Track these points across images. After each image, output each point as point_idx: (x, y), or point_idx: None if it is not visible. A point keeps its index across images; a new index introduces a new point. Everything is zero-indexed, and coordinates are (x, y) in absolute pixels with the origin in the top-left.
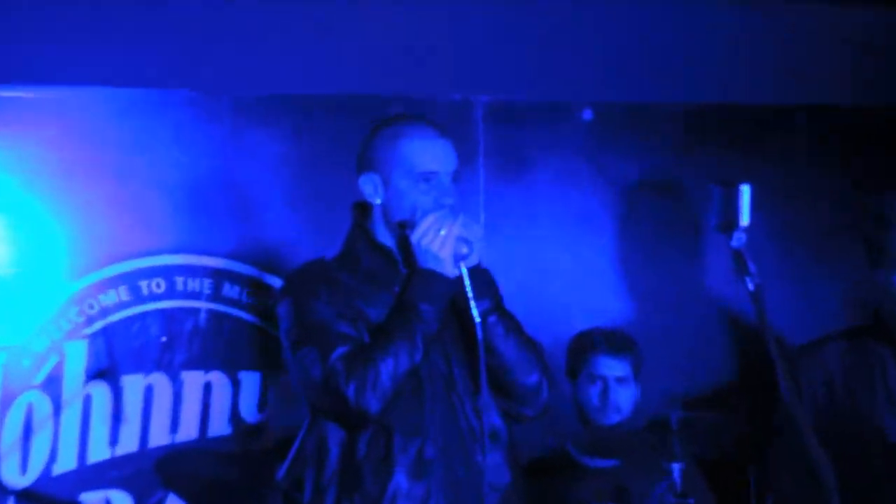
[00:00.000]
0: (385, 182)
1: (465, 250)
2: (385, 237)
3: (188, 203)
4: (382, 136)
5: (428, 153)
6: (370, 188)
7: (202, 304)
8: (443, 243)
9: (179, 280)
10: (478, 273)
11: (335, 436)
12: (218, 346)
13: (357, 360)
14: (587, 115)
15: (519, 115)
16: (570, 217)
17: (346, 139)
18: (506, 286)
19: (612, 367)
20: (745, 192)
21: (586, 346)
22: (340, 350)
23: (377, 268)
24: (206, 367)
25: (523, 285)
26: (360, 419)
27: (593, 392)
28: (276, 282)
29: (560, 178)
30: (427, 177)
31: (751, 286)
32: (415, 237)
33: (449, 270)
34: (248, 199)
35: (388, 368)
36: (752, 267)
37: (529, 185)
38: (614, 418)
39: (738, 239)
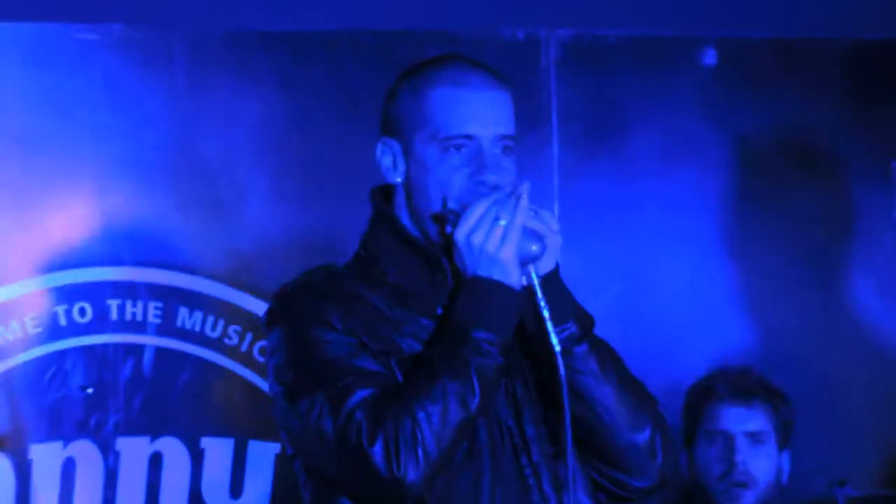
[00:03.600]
0: (406, 151)
1: (535, 249)
2: (414, 234)
3: (126, 190)
4: (408, 85)
5: (460, 106)
6: (388, 160)
7: (147, 340)
8: (503, 240)
9: (113, 304)
10: (553, 282)
11: None
12: (171, 400)
13: (387, 408)
14: (709, 56)
15: (609, 57)
16: (685, 204)
17: (359, 97)
18: (592, 305)
19: (740, 420)
20: None
21: (703, 395)
22: (361, 394)
23: (414, 279)
24: (154, 432)
25: (618, 304)
26: (391, 491)
27: (713, 455)
28: (256, 306)
29: (670, 147)
30: (459, 143)
31: None
32: (461, 234)
33: (514, 279)
34: (216, 183)
35: (434, 420)
36: None
37: (625, 158)
38: (748, 498)
39: None
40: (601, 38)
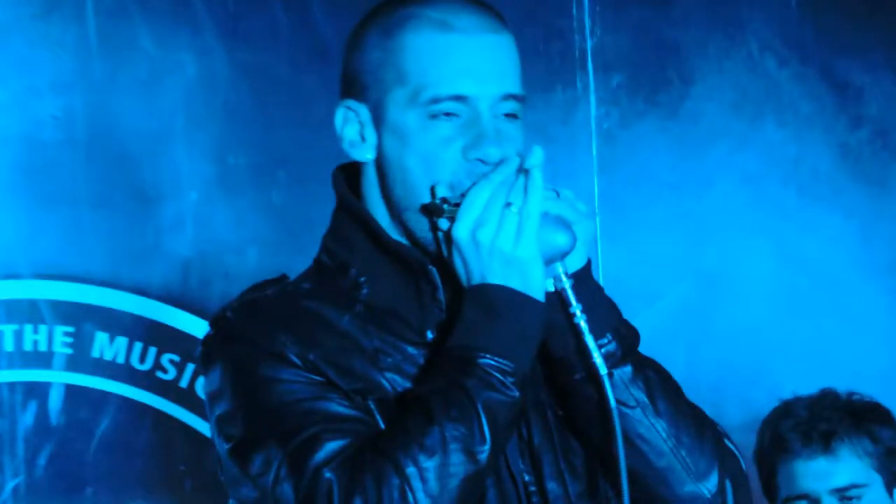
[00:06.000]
0: (377, 119)
1: (562, 241)
2: (392, 231)
3: (21, 180)
4: (376, 30)
5: (448, 57)
6: (353, 131)
7: (54, 376)
8: (520, 233)
9: (8, 330)
10: (585, 284)
11: None
12: (87, 455)
13: (365, 463)
14: None
15: None
16: (767, 176)
17: (330, 49)
18: (646, 315)
19: (822, 476)
20: None
21: (773, 450)
22: (331, 446)
23: (394, 294)
24: (67, 497)
25: (680, 311)
26: None
27: None
28: (198, 329)
29: (744, 101)
30: (449, 106)
31: None
32: (462, 230)
33: (536, 285)
34: (141, 167)
35: (429, 477)
36: None
37: (685, 118)
38: None
39: None
40: None
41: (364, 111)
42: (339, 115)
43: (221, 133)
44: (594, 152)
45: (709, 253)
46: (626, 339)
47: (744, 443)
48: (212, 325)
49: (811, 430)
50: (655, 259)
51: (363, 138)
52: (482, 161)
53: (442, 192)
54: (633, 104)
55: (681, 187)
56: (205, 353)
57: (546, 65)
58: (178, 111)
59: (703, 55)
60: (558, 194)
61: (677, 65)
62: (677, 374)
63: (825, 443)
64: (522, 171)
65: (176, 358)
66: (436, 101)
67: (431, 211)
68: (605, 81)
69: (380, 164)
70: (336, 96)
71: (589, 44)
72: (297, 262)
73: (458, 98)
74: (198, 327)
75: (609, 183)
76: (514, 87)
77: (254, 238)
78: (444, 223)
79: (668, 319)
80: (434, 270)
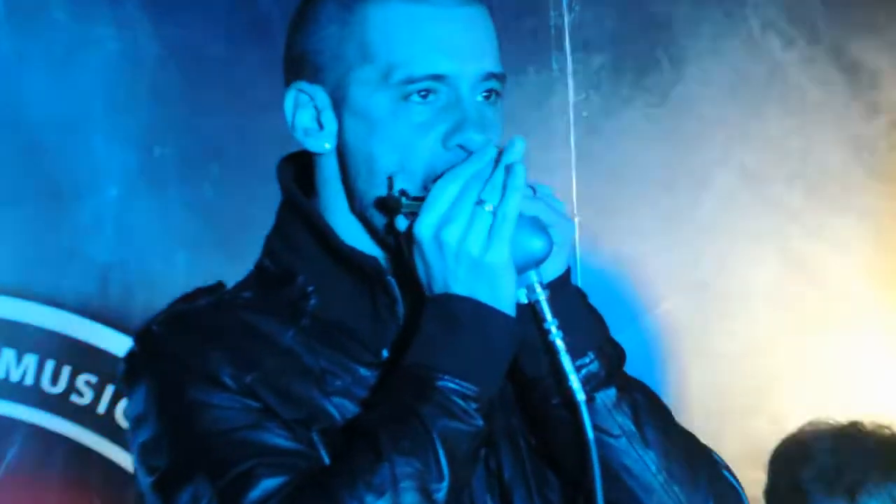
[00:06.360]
0: (337, 102)
1: (538, 246)
2: (352, 232)
3: None
4: (330, 0)
5: (423, 31)
6: (307, 117)
7: None
8: (492, 235)
9: None
10: (564, 295)
11: None
12: None
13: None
14: None
15: None
16: (771, 171)
17: (272, 22)
18: (634, 328)
19: None
20: None
21: (793, 493)
22: (268, 484)
23: (347, 307)
24: None
25: (674, 323)
26: None
27: None
28: (118, 346)
29: (742, 87)
30: (425, 87)
31: None
32: (425, 227)
33: (508, 296)
34: (54, 160)
35: None
36: None
37: (674, 105)
38: None
39: None
40: None
41: (321, 94)
42: (290, 99)
43: (146, 119)
44: (572, 144)
45: (703, 260)
46: (610, 358)
47: (745, 478)
48: (136, 340)
49: (835, 483)
50: (642, 267)
51: (321, 125)
52: (463, 148)
53: (401, 183)
54: (617, 89)
55: (671, 185)
56: (128, 372)
57: (517, 43)
58: (96, 94)
59: (697, 33)
60: (535, 191)
61: (667, 44)
62: (668, 397)
63: (850, 497)
64: (501, 162)
65: (93, 379)
66: (410, 81)
67: (388, 206)
68: (585, 63)
69: (341, 153)
70: (279, 77)
71: (566, 19)
72: (232, 268)
73: (436, 77)
74: (118, 344)
75: (589, 179)
76: (495, 65)
77: (183, 241)
78: (402, 221)
79: (657, 336)
80: (393, 281)
